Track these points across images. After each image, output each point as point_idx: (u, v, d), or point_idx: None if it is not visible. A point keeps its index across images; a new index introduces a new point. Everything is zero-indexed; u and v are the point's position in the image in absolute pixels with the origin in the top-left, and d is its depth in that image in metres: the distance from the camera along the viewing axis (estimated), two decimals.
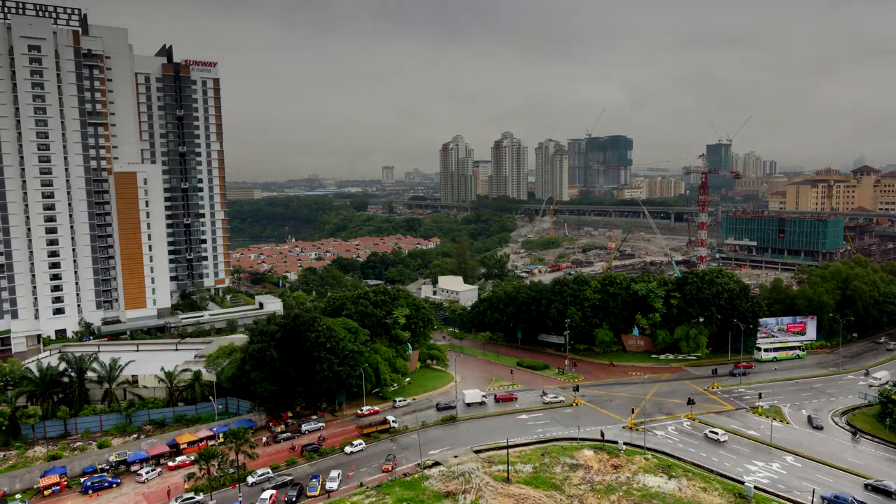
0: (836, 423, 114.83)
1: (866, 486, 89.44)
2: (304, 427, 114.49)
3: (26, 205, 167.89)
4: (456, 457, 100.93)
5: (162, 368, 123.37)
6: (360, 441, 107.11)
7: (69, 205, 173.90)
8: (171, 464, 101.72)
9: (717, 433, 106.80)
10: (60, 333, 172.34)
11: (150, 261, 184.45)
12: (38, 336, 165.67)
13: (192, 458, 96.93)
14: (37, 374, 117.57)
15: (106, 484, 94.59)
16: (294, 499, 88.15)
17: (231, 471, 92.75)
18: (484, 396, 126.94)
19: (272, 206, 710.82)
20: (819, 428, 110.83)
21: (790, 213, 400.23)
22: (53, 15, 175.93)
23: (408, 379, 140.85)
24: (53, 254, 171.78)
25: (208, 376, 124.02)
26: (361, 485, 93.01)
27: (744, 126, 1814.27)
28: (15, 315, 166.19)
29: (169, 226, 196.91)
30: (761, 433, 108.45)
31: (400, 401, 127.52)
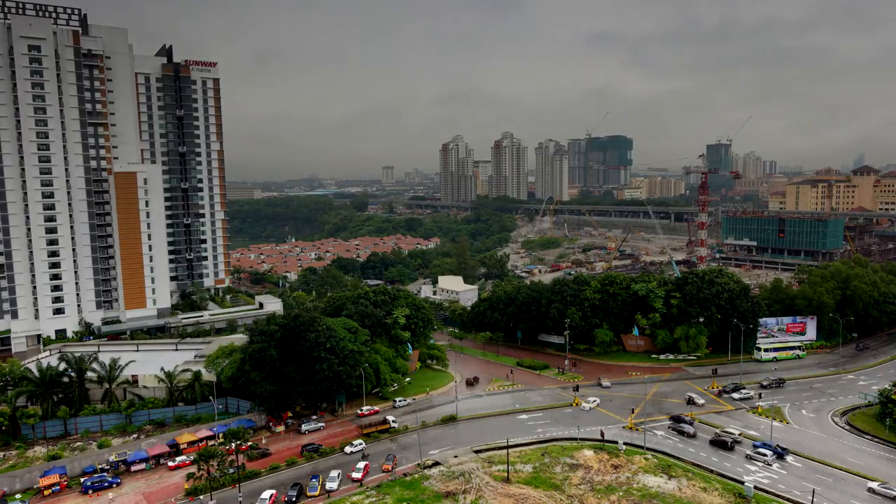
0: (836, 423, 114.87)
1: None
2: (304, 427, 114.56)
3: (26, 205, 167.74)
4: (456, 457, 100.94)
5: (162, 368, 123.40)
6: (360, 441, 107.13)
7: (69, 205, 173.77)
8: (171, 464, 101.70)
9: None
10: (60, 333, 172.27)
11: (150, 261, 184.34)
12: (38, 336, 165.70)
13: (192, 458, 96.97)
14: (37, 374, 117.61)
15: (106, 484, 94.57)
16: (294, 499, 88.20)
17: (231, 471, 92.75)
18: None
19: (272, 206, 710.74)
20: None
21: (790, 213, 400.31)
22: (53, 15, 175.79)
23: (408, 379, 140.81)
24: (53, 254, 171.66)
25: (208, 376, 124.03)
26: (361, 484, 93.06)
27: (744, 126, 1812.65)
28: (15, 315, 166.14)
29: (169, 226, 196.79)
30: (761, 433, 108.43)
31: (400, 401, 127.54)
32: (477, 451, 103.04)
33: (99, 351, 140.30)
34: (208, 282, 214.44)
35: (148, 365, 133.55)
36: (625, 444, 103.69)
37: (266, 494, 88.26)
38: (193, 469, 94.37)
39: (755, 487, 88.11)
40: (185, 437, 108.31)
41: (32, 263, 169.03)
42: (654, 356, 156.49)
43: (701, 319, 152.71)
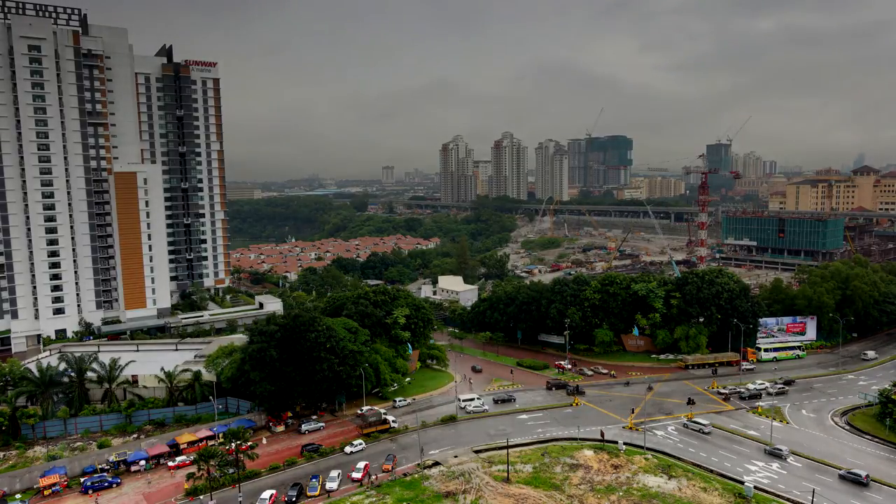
0: (837, 423, 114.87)
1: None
2: (304, 427, 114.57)
3: (26, 205, 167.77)
4: (456, 457, 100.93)
5: (162, 368, 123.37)
6: (360, 441, 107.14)
7: (69, 205, 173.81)
8: (171, 464, 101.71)
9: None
10: (60, 333, 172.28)
11: (150, 261, 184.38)
12: (38, 336, 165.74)
13: (192, 458, 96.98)
14: (37, 374, 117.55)
15: (106, 484, 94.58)
16: (294, 499, 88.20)
17: (231, 471, 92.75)
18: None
19: (272, 206, 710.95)
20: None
21: (790, 213, 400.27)
22: (53, 15, 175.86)
23: (408, 379, 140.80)
24: (53, 254, 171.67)
25: (208, 376, 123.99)
26: (361, 484, 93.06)
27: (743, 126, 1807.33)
28: (15, 315, 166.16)
29: (169, 226, 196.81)
30: (761, 433, 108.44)
31: (400, 401, 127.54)
32: (477, 451, 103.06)
33: (99, 351, 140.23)
34: (208, 282, 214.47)
35: (148, 365, 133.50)
36: (625, 444, 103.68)
37: (266, 494, 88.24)
38: (193, 469, 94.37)
39: (755, 487, 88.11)
40: (185, 437, 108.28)
41: (32, 263, 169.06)
42: (654, 356, 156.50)
43: (701, 319, 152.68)
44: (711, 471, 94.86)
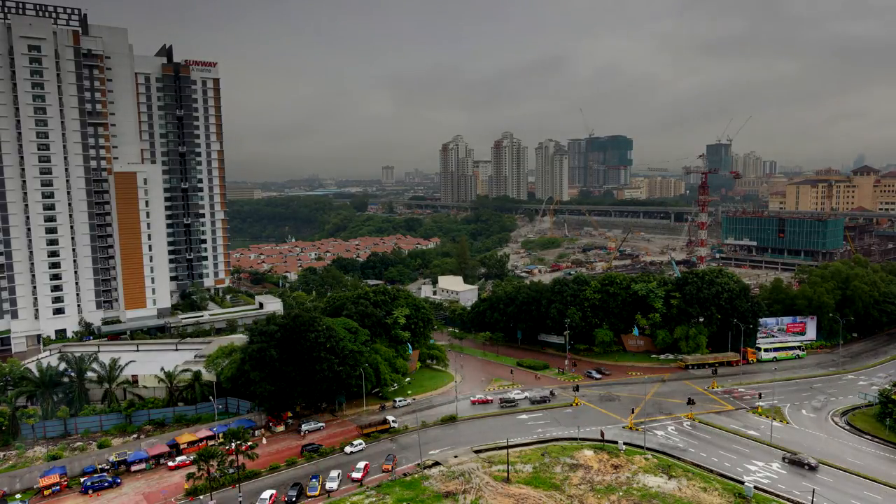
0: (837, 423, 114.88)
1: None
2: (303, 427, 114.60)
3: (26, 205, 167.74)
4: (456, 457, 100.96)
5: (162, 368, 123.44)
6: (360, 441, 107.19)
7: (69, 205, 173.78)
8: (171, 464, 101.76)
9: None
10: (60, 333, 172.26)
11: (150, 261, 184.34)
12: (38, 336, 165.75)
13: (192, 458, 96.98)
14: (37, 374, 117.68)
15: (106, 484, 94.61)
16: (294, 499, 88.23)
17: (231, 471, 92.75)
18: None
19: (272, 206, 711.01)
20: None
21: (790, 213, 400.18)
22: (53, 15, 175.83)
23: (408, 379, 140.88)
24: (53, 254, 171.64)
25: (208, 376, 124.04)
26: (361, 484, 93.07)
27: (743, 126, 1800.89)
28: (15, 315, 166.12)
29: (169, 226, 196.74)
30: (761, 433, 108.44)
31: (400, 401, 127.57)
32: (477, 451, 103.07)
33: (99, 351, 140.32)
34: (208, 282, 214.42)
35: (148, 365, 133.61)
36: (625, 444, 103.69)
37: (266, 494, 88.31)
38: (193, 469, 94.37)
39: (755, 487, 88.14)
40: (185, 437, 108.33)
41: (32, 263, 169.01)
42: (654, 356, 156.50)
43: (701, 319, 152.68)
44: (711, 471, 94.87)
